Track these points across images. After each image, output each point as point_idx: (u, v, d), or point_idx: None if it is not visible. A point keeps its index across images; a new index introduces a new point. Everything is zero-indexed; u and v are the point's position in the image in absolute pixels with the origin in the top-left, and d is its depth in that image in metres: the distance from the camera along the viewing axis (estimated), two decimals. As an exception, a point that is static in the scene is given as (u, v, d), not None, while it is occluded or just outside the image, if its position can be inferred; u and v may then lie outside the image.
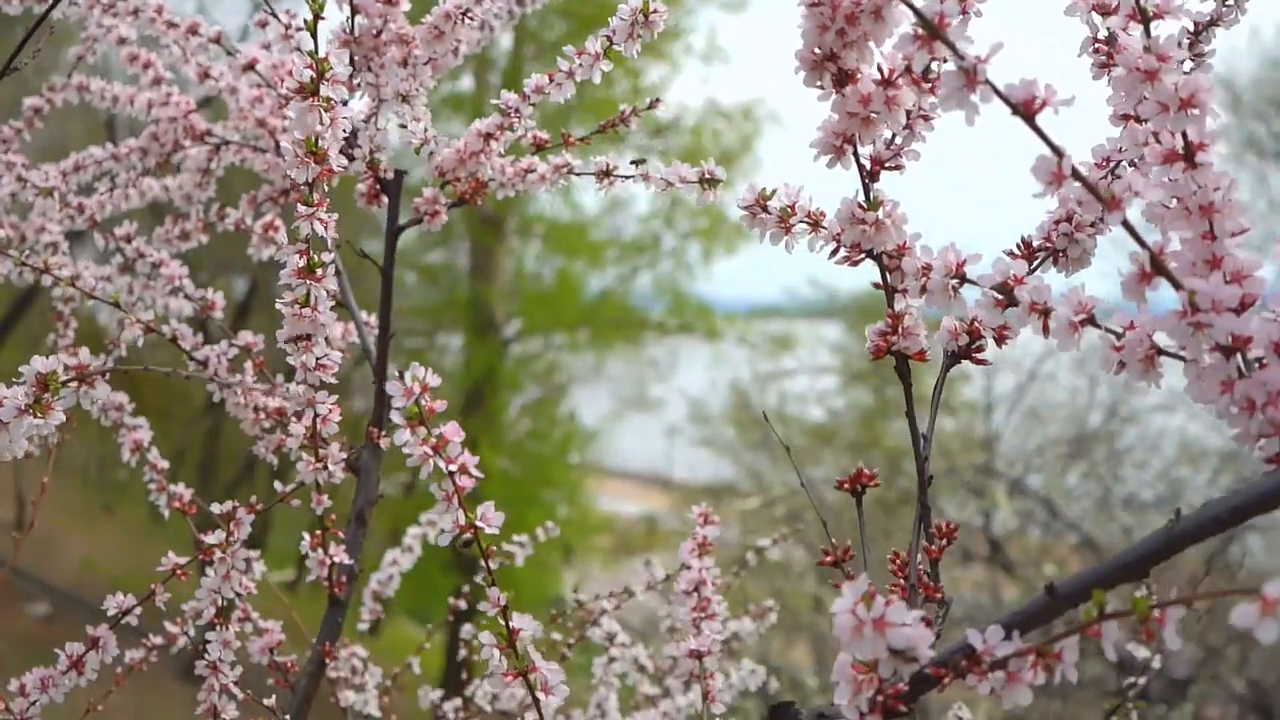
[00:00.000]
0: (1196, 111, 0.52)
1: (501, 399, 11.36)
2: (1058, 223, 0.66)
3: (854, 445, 8.95)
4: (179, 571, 0.91)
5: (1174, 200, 0.54)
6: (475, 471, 0.62)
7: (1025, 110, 0.50)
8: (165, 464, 1.08)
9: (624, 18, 0.81)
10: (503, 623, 0.64)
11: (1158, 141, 0.55)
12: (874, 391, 9.81)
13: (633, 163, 0.93)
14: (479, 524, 0.62)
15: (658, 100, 0.97)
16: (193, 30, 1.08)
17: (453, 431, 0.61)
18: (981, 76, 0.49)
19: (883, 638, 0.49)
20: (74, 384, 0.67)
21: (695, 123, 10.19)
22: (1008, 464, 6.32)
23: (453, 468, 0.61)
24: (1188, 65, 0.66)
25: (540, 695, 0.63)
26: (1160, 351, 0.53)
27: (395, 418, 0.61)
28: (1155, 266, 0.50)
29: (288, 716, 0.93)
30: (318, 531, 0.94)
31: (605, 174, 0.94)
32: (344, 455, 0.89)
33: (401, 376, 0.60)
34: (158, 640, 1.09)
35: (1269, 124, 8.82)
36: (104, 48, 1.26)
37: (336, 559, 0.95)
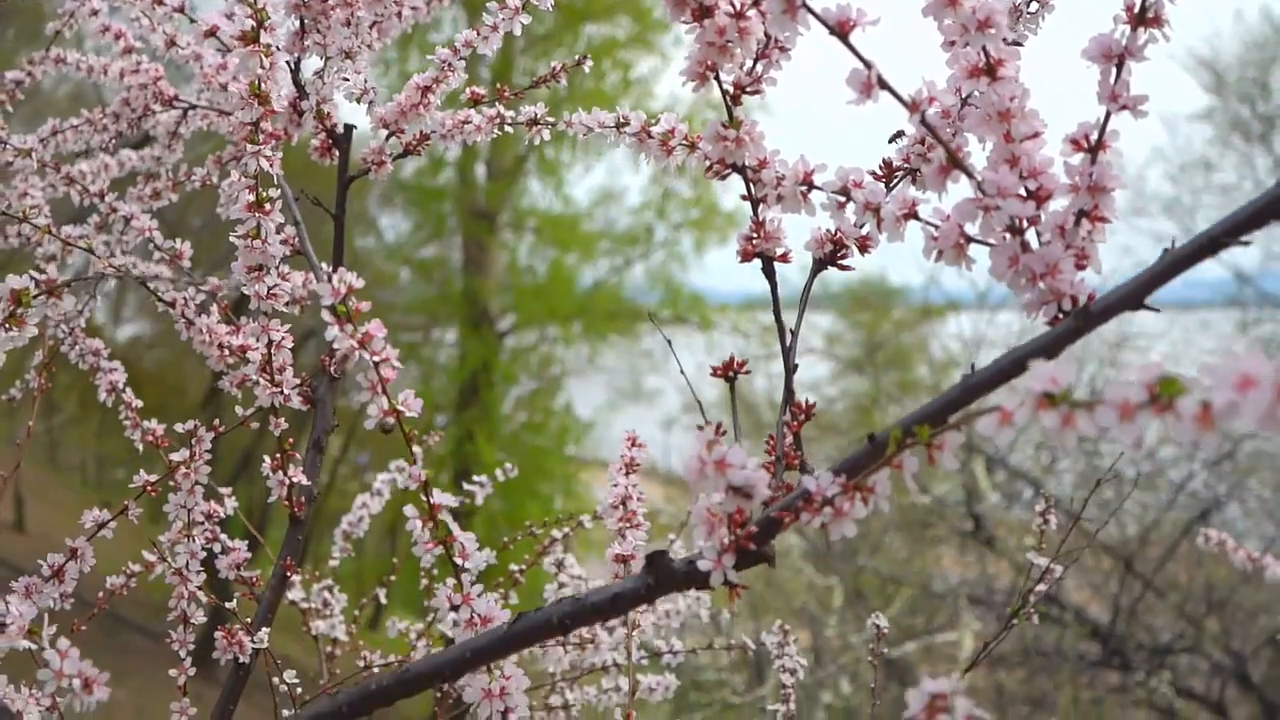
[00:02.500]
0: (993, 31, 0.61)
1: (497, 392, 11.45)
2: (914, 145, 0.75)
3: (848, 431, 9.04)
4: (150, 489, 1.00)
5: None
6: (396, 363, 0.71)
7: (841, 30, 0.59)
8: (139, 403, 1.17)
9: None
10: (424, 498, 0.73)
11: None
12: (869, 379, 9.90)
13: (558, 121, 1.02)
14: (400, 408, 0.71)
15: (585, 58, 1.06)
16: (158, 1, 1.17)
17: (376, 328, 0.70)
18: (799, 4, 0.58)
19: (723, 476, 0.57)
20: (43, 296, 0.76)
21: (686, 113, 10.26)
22: (991, 443, 6.42)
23: (377, 359, 0.70)
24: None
25: (459, 561, 0.72)
26: (968, 239, 0.62)
27: (327, 318, 0.70)
28: (952, 161, 0.59)
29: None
30: (277, 455, 1.03)
31: (534, 122, 1.03)
32: (298, 381, 0.98)
33: (330, 279, 0.69)
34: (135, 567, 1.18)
35: (1254, 106, 8.90)
36: (79, 22, 1.34)
37: (295, 480, 1.04)
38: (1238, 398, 0.38)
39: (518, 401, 12.18)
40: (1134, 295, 0.55)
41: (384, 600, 1.49)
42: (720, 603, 1.77)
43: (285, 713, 1.05)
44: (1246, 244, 0.53)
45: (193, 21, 1.15)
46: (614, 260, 12.13)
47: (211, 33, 1.12)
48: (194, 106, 1.26)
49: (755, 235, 0.71)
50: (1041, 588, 1.11)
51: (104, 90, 1.46)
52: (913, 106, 0.58)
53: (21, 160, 1.19)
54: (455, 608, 0.72)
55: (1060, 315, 0.58)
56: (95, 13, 1.26)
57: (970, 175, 0.59)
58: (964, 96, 0.76)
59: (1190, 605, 5.91)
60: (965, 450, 5.92)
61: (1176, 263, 0.54)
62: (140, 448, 1.17)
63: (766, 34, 0.67)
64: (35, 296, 0.74)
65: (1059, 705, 5.89)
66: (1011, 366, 0.56)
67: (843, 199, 0.67)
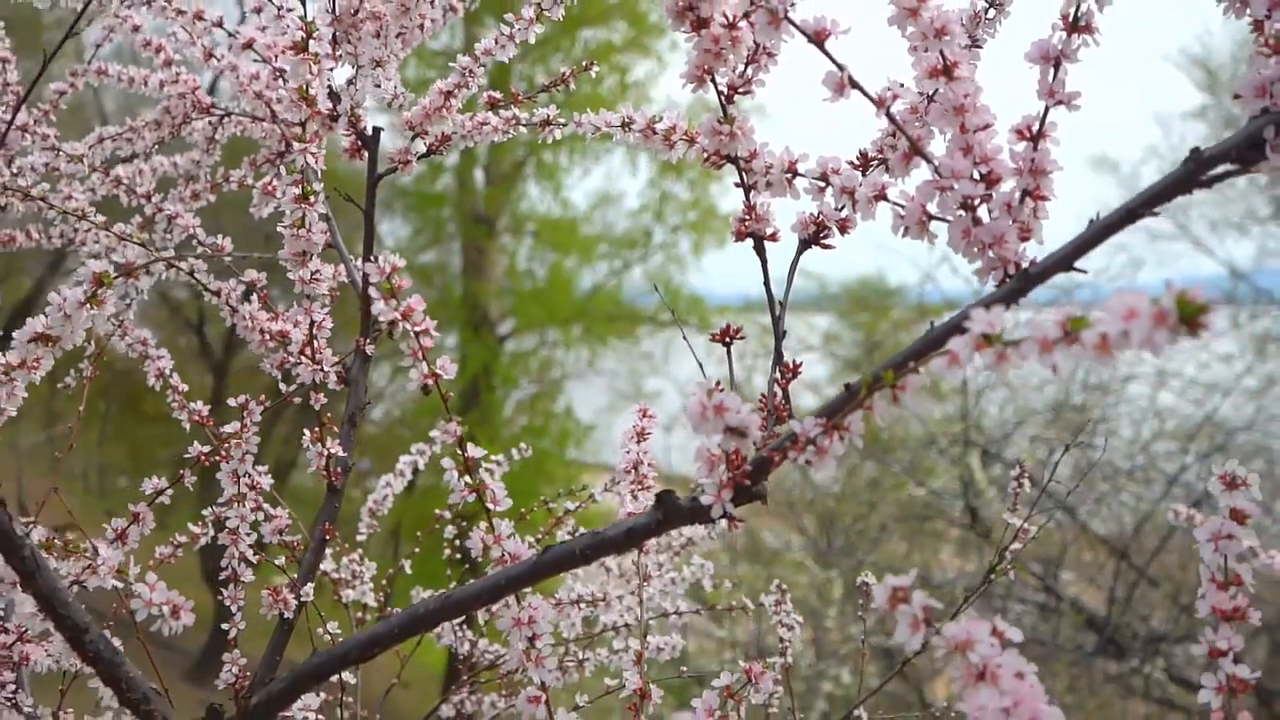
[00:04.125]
0: (949, 38, 0.71)
1: (497, 396, 11.54)
2: (885, 137, 0.85)
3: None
4: (202, 459, 1.10)
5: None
6: (434, 333, 0.81)
7: (818, 38, 0.69)
8: (185, 387, 1.27)
9: (551, -11, 1.01)
10: (460, 454, 0.83)
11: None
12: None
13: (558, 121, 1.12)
14: (438, 372, 0.81)
15: (592, 63, 1.16)
16: (198, 16, 1.27)
17: (416, 302, 0.80)
18: (781, 16, 0.68)
19: (721, 419, 0.68)
20: (122, 278, 0.86)
21: (692, 109, 10.36)
22: (988, 437, 6.52)
23: (418, 328, 0.80)
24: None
25: (490, 506, 0.82)
26: (930, 216, 0.73)
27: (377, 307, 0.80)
28: (913, 149, 0.70)
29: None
30: (316, 429, 1.14)
31: (547, 123, 1.13)
32: (336, 359, 1.08)
33: (377, 260, 0.79)
34: (182, 539, 1.28)
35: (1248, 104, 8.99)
36: (121, 37, 1.45)
37: (333, 451, 1.14)
38: (1125, 326, 0.48)
39: (518, 405, 12.25)
40: (1066, 259, 0.65)
41: (409, 569, 1.59)
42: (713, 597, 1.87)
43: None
44: (1156, 214, 0.63)
45: (231, 35, 1.26)
46: (613, 263, 12.23)
47: (249, 45, 1.22)
48: (229, 114, 1.36)
49: (747, 217, 0.81)
50: (1016, 545, 1.21)
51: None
52: (879, 103, 0.69)
53: (73, 165, 1.29)
54: (488, 547, 0.82)
55: (1006, 278, 0.68)
56: (137, 29, 1.36)
57: (929, 161, 0.69)
58: (929, 94, 0.87)
59: (1184, 595, 6.01)
60: (962, 445, 6.02)
61: (1101, 230, 0.64)
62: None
63: (755, 42, 0.77)
64: (115, 278, 0.84)
65: (1055, 694, 5.98)
66: (960, 318, 0.67)
67: (822, 184, 0.77)
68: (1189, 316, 0.46)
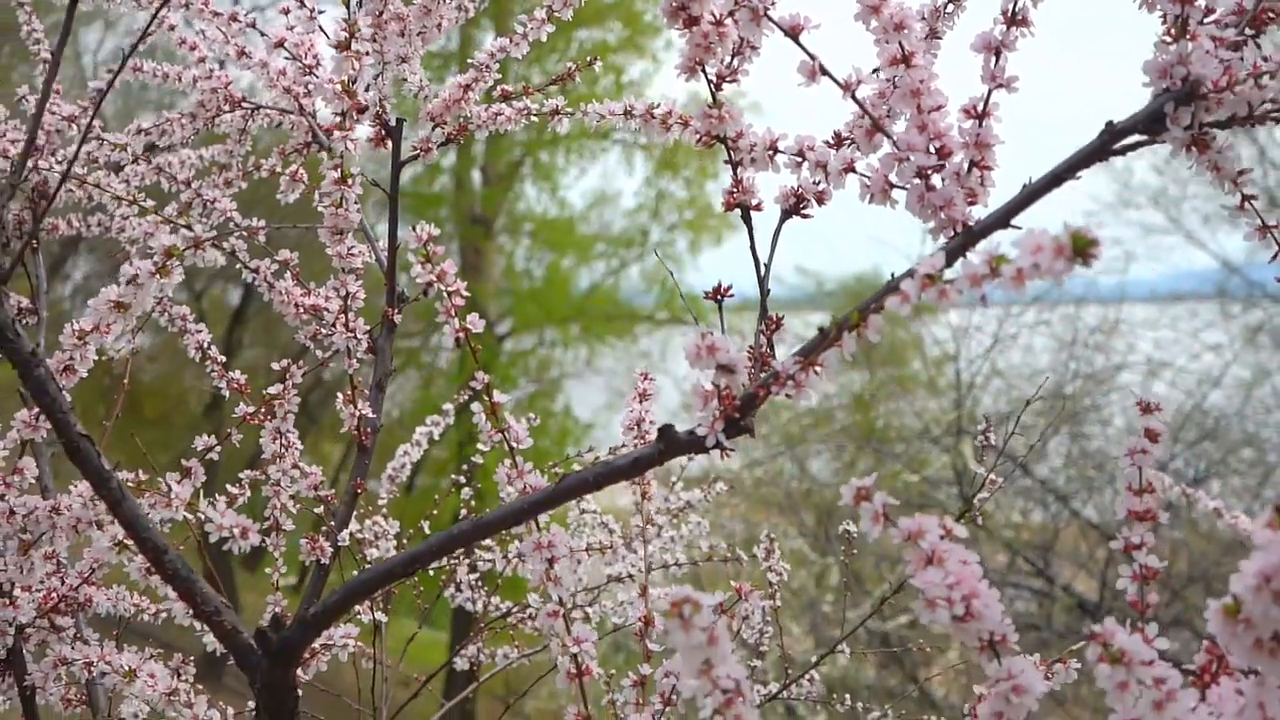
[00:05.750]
0: (907, 31, 0.83)
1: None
2: (855, 119, 0.97)
3: (846, 428, 9.25)
4: (248, 418, 1.22)
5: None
6: (465, 293, 0.93)
7: (793, 32, 0.81)
8: (223, 358, 1.38)
9: (559, -7, 1.13)
10: (488, 399, 0.95)
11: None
12: (866, 375, 10.12)
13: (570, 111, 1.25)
14: (468, 327, 0.93)
15: (595, 59, 1.28)
16: (233, 18, 1.39)
17: (449, 266, 0.92)
18: (761, 13, 0.80)
19: (713, 358, 0.79)
20: (190, 250, 0.97)
21: (686, 102, 10.46)
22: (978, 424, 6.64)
23: (451, 289, 0.92)
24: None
25: (514, 444, 0.94)
26: (891, 184, 0.84)
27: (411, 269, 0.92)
28: (875, 126, 0.82)
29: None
30: (349, 392, 1.25)
31: (555, 113, 1.25)
32: (368, 327, 1.20)
33: (414, 229, 0.91)
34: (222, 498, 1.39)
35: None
36: (156, 36, 1.56)
37: (363, 413, 1.26)
38: (1034, 259, 0.60)
39: (517, 405, 12.35)
40: (1002, 219, 0.77)
41: (428, 531, 1.71)
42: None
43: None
44: (1078, 178, 0.75)
45: (263, 35, 1.37)
46: (610, 262, 12.35)
47: (280, 44, 1.34)
48: (259, 107, 1.48)
49: (735, 190, 0.93)
50: (984, 495, 1.33)
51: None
52: (845, 87, 0.81)
53: (118, 154, 1.41)
54: (511, 481, 0.94)
55: (954, 235, 0.80)
56: (173, 28, 1.48)
57: (889, 136, 0.81)
58: (891, 79, 0.99)
59: (1173, 579, 6.14)
60: (955, 433, 6.14)
61: (1031, 194, 0.76)
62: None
63: (740, 37, 0.88)
64: (183, 251, 0.95)
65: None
66: (911, 271, 0.78)
67: (800, 159, 0.89)
68: (1081, 249, 0.58)
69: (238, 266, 1.41)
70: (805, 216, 0.97)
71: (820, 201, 0.97)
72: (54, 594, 1.14)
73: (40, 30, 1.67)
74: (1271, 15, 0.77)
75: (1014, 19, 0.82)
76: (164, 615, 1.32)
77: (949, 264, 0.79)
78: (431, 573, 1.68)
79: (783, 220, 0.97)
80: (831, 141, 0.97)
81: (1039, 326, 7.97)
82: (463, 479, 1.66)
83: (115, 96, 1.95)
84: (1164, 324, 8.85)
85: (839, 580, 6.72)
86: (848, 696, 1.49)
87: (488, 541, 1.69)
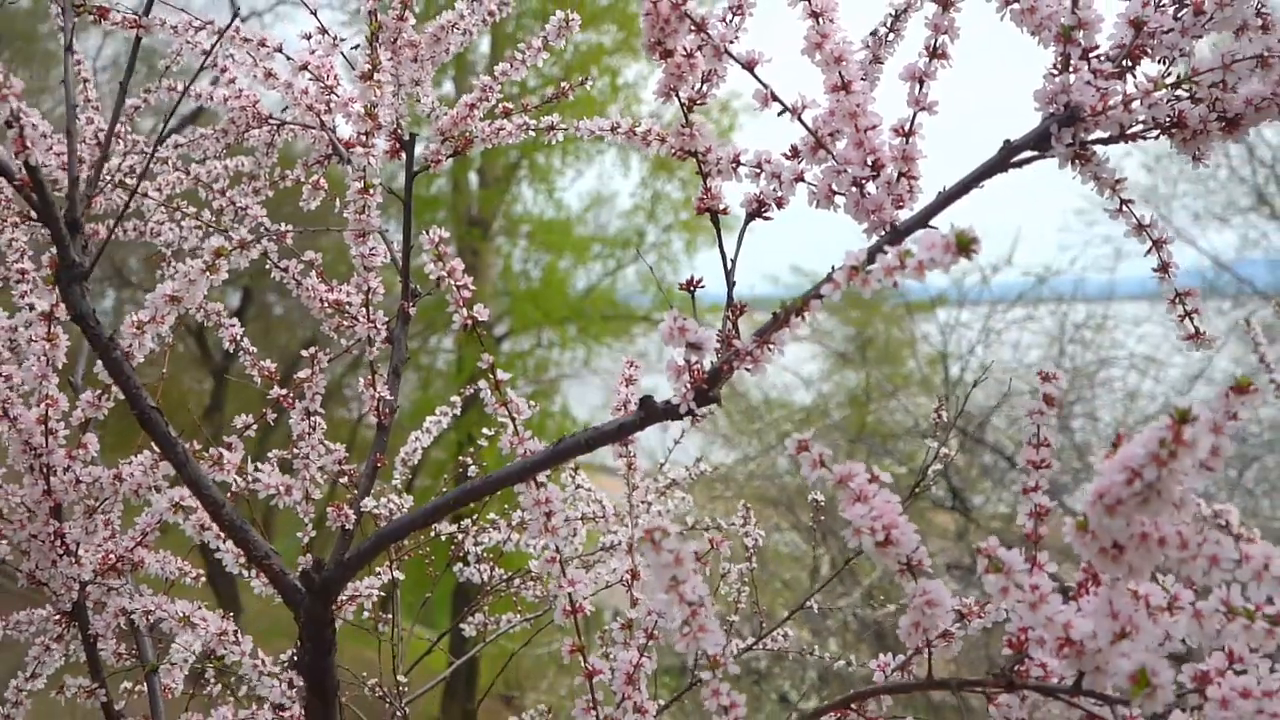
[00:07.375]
0: (845, 63, 0.99)
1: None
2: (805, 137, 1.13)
3: (841, 426, 9.41)
4: (282, 400, 1.37)
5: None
6: (470, 287, 1.08)
7: (749, 65, 0.97)
8: (255, 349, 1.54)
9: (553, 24, 1.29)
10: (492, 376, 1.10)
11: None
12: (861, 374, 10.28)
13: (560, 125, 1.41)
14: (475, 315, 1.09)
15: (586, 79, 1.44)
16: (262, 43, 1.55)
17: (458, 263, 1.08)
18: (723, 50, 0.96)
19: (684, 337, 0.95)
20: (237, 250, 1.13)
21: (672, 116, 10.60)
22: (968, 420, 6.81)
23: (459, 284, 1.08)
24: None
25: (515, 416, 1.10)
26: (833, 191, 1.00)
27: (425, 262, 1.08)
28: (818, 143, 0.97)
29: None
30: (369, 376, 1.41)
31: (551, 128, 1.41)
32: (386, 318, 1.36)
33: (427, 232, 1.07)
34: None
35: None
36: (187, 59, 1.72)
37: (382, 394, 1.42)
38: (930, 253, 0.75)
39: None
40: (920, 220, 0.93)
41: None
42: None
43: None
44: (1021, 165, 0.91)
45: (289, 59, 1.53)
46: (606, 263, 12.51)
47: (304, 67, 1.50)
48: (284, 123, 1.64)
49: (705, 196, 1.09)
50: (938, 466, 1.48)
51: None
52: (793, 111, 0.97)
53: (159, 166, 1.57)
54: (514, 446, 1.09)
55: (884, 233, 0.96)
56: (206, 53, 1.64)
57: (829, 152, 0.97)
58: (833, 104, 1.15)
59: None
60: (944, 427, 6.29)
61: (944, 199, 0.92)
62: (258, 380, 1.55)
63: (707, 67, 1.04)
64: (231, 251, 1.11)
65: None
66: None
67: (758, 170, 1.05)
68: (964, 245, 0.74)
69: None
70: (767, 219, 1.13)
71: (780, 206, 1.12)
72: (111, 555, 1.30)
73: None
74: (1145, 51, 0.93)
75: (935, 52, 0.98)
76: (202, 579, 1.48)
77: (872, 254, 0.95)
78: (443, 538, 1.83)
79: (746, 222, 1.13)
80: (788, 154, 1.13)
81: (1027, 322, 8.14)
82: (469, 460, 1.82)
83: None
84: (1154, 320, 9.01)
85: (828, 570, 6.88)
86: (826, 654, 1.63)
87: (492, 516, 1.85)
